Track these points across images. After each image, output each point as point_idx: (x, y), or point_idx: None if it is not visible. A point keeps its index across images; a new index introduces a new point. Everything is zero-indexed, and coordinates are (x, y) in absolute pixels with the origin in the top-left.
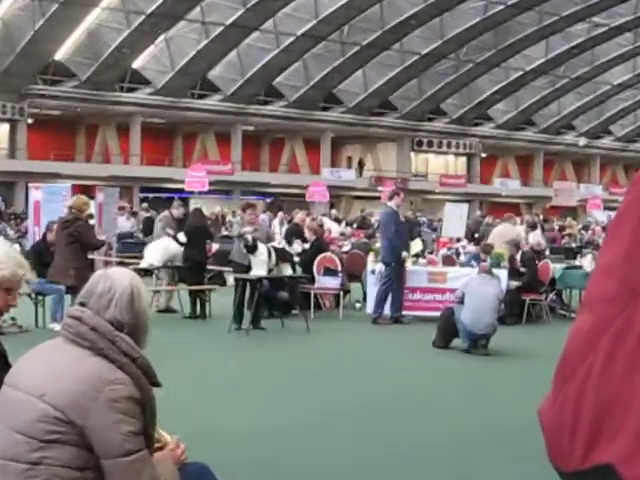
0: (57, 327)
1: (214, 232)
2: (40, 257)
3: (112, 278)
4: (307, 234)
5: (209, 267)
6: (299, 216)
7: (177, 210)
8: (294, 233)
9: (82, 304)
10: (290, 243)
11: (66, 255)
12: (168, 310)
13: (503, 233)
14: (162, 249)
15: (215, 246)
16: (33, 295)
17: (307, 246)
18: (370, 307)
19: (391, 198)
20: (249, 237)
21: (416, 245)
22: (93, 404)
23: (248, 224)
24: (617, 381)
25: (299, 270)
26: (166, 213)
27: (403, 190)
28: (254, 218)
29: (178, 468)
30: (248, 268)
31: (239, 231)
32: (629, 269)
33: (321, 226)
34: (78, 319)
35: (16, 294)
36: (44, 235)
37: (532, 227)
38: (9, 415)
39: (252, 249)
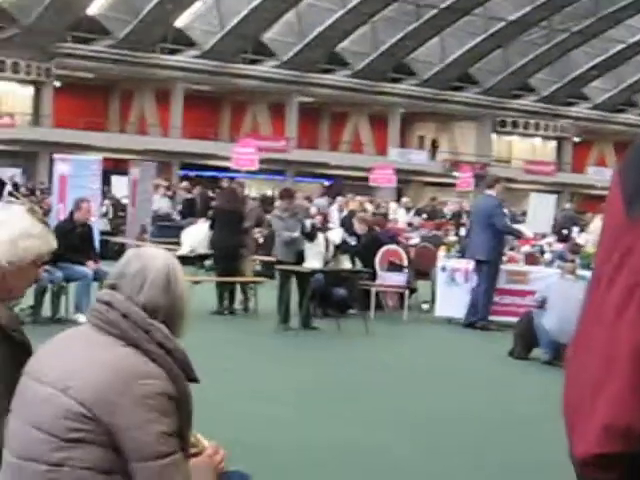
0: (82, 318)
1: (261, 216)
2: (66, 238)
3: (145, 257)
4: (357, 227)
5: (256, 257)
6: (350, 203)
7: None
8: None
9: (112, 287)
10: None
11: None
12: None
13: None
14: (205, 234)
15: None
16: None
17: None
18: (439, 309)
19: (491, 186)
20: (307, 223)
21: None
22: (122, 400)
23: (283, 211)
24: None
25: (359, 264)
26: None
27: (498, 179)
28: (288, 204)
29: (216, 477)
30: (293, 265)
31: (284, 225)
32: None
33: (385, 215)
34: (108, 304)
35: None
36: (71, 213)
37: None
38: (28, 410)
39: (311, 237)
